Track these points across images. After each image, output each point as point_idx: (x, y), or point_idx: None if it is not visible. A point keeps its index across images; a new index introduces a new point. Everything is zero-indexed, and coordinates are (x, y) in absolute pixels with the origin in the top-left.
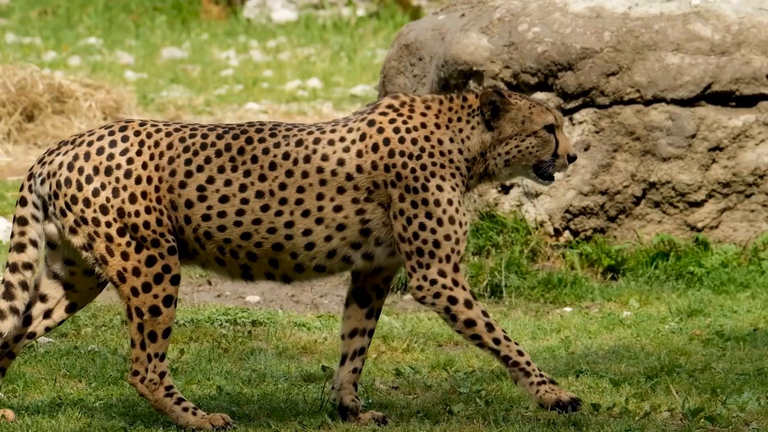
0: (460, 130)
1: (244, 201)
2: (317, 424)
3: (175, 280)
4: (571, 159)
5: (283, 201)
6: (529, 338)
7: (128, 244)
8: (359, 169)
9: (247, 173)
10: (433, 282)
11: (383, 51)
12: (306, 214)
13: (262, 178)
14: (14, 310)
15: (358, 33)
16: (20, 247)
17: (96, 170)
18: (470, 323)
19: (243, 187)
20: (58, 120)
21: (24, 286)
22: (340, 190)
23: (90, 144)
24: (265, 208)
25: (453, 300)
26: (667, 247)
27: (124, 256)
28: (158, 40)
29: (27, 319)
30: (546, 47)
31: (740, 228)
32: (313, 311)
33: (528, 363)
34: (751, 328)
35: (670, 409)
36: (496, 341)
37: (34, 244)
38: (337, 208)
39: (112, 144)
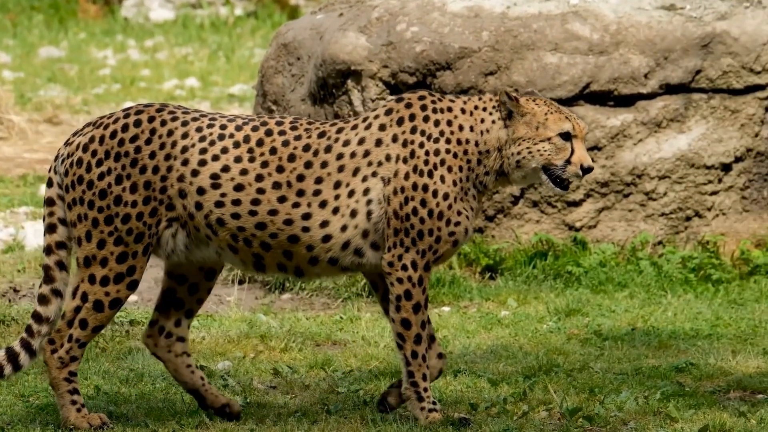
0: (482, 120)
1: (260, 191)
2: (195, 424)
3: (132, 286)
4: (585, 170)
5: (300, 193)
6: None
7: (110, 234)
8: (378, 142)
9: (264, 164)
10: (404, 268)
11: (261, 50)
12: (323, 204)
13: (280, 169)
14: (56, 293)
15: (236, 32)
16: (51, 228)
17: (107, 154)
18: (407, 324)
19: (259, 177)
20: None
21: (61, 265)
22: (355, 172)
23: (106, 127)
24: (282, 200)
25: (408, 295)
26: (545, 247)
27: (101, 244)
28: (35, 39)
29: (178, 303)
30: (424, 47)
31: (618, 228)
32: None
33: (425, 389)
34: (629, 328)
35: (548, 409)
36: (414, 354)
37: (64, 222)
38: (351, 193)
39: (125, 128)
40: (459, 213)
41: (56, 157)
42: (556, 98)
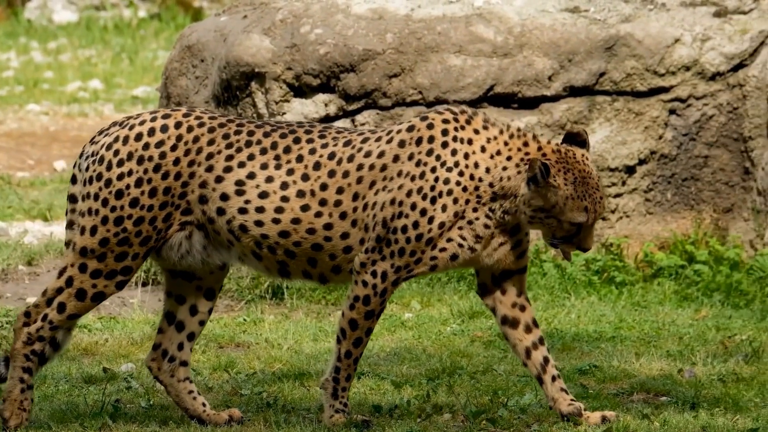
0: (504, 168)
1: (284, 199)
2: (98, 426)
3: (121, 285)
4: (582, 250)
5: (323, 202)
6: (310, 340)
7: (116, 234)
8: (396, 158)
9: (290, 172)
10: (374, 274)
11: (165, 52)
12: (343, 216)
13: (305, 177)
14: None
15: (140, 34)
16: (72, 225)
17: (130, 156)
18: (354, 325)
19: (284, 185)
20: None
21: None
22: (371, 185)
23: (131, 128)
24: (305, 208)
25: (367, 301)
26: None
27: (104, 242)
28: None
29: (179, 325)
30: (328, 49)
31: None
32: (94, 313)
33: (344, 389)
34: None
35: (451, 411)
36: (348, 354)
37: None
38: (365, 207)
39: (151, 132)
40: (449, 240)
41: (81, 154)
42: (460, 100)
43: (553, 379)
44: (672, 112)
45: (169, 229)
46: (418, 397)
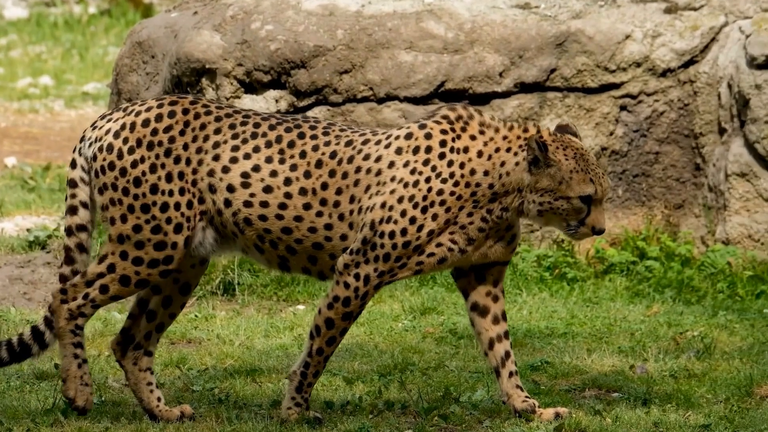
0: (503, 163)
1: (288, 195)
2: (50, 422)
3: (165, 274)
4: (597, 232)
5: (323, 202)
6: (262, 336)
7: (147, 221)
8: (391, 164)
9: (293, 167)
10: (356, 277)
11: (115, 49)
12: (341, 217)
13: (307, 174)
14: (77, 274)
15: (90, 31)
16: (73, 210)
17: (139, 143)
18: (330, 324)
19: (288, 181)
20: None
21: (81, 248)
22: (367, 189)
23: (137, 114)
24: (307, 207)
25: (347, 303)
26: None
27: (137, 228)
28: None
29: (150, 315)
30: (279, 45)
31: None
32: (45, 308)
33: (310, 384)
34: None
35: (403, 407)
36: (319, 351)
37: (85, 205)
38: (360, 210)
39: (158, 118)
40: (439, 245)
41: (82, 139)
42: (411, 96)
43: (510, 374)
44: (623, 108)
45: (195, 218)
46: (369, 393)
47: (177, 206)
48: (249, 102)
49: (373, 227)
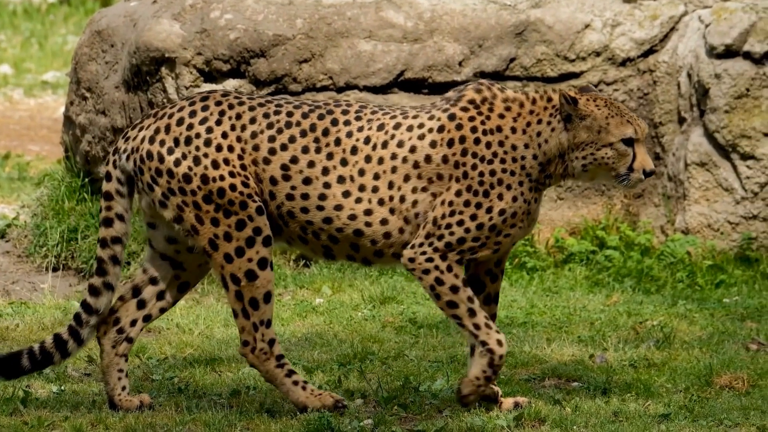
0: (538, 134)
1: (327, 185)
2: (9, 411)
3: (267, 242)
4: (648, 174)
5: (362, 188)
6: (221, 325)
7: (216, 209)
8: (428, 159)
9: (330, 156)
10: (429, 260)
11: (75, 37)
12: (381, 202)
13: (344, 162)
14: (108, 286)
15: (49, 19)
16: (108, 222)
17: (176, 141)
18: (453, 305)
19: (326, 171)
20: None
21: (115, 260)
22: (406, 179)
23: (170, 116)
24: (346, 194)
25: (440, 281)
26: None
27: (214, 222)
28: None
29: (141, 303)
30: (238, 34)
31: None
32: (5, 297)
33: (501, 357)
34: (443, 316)
35: (363, 396)
36: (476, 326)
37: (121, 218)
38: (402, 199)
39: (192, 114)
40: (513, 226)
41: (115, 151)
42: (371, 86)
43: None
44: None
45: (256, 193)
46: (329, 382)
47: (233, 188)
48: None
49: (435, 223)
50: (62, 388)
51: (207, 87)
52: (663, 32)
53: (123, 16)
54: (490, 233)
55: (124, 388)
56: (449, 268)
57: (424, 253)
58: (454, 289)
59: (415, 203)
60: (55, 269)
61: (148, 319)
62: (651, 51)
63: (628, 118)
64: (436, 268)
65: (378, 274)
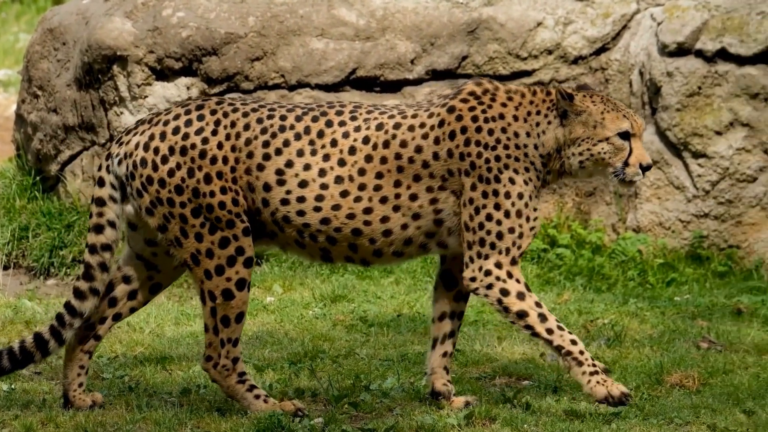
0: (537, 124)
1: (324, 186)
2: None
3: (249, 263)
4: (645, 168)
5: (362, 187)
6: (172, 324)
7: (202, 225)
8: (435, 156)
9: (326, 157)
10: (488, 273)
11: (26, 35)
12: (384, 200)
13: (342, 162)
14: (94, 291)
15: (1, 17)
16: (98, 228)
17: (171, 150)
18: (523, 314)
19: (322, 172)
20: None
21: (103, 267)
22: (416, 178)
23: (166, 123)
24: (344, 194)
25: (505, 292)
26: None
27: (198, 237)
28: None
29: (112, 301)
30: (190, 32)
31: None
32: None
33: (581, 352)
34: (394, 314)
35: (314, 395)
36: (549, 331)
37: (113, 225)
38: (413, 197)
39: (188, 123)
40: (534, 209)
41: (108, 156)
42: (323, 84)
43: (445, 354)
44: None
45: (244, 212)
46: (280, 381)
47: (221, 205)
48: (160, 89)
49: (468, 227)
50: (12, 386)
51: (159, 85)
52: (615, 30)
53: (75, 14)
54: (519, 219)
55: (80, 385)
56: (509, 275)
57: (480, 267)
58: (521, 296)
59: (433, 201)
60: (6, 267)
61: (117, 317)
62: (603, 49)
63: (624, 113)
64: (498, 278)
65: (329, 273)
